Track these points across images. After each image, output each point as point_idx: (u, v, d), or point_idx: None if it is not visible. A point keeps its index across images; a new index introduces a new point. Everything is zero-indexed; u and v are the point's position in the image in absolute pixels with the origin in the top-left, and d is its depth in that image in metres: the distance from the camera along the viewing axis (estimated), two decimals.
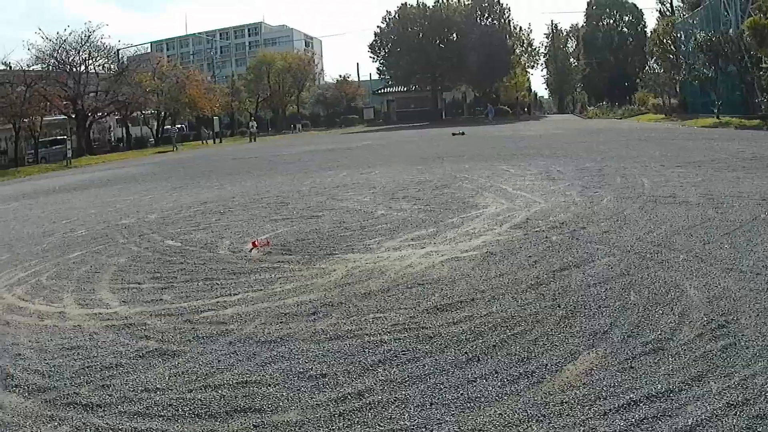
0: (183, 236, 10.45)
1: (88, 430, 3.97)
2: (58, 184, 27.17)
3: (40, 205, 18.57)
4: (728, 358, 4.17)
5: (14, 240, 11.97)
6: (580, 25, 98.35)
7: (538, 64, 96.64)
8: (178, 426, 3.92)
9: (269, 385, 4.36)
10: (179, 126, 71.73)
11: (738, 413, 3.49)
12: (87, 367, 4.97)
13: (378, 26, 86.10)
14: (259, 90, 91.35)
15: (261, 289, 6.73)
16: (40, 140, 55.22)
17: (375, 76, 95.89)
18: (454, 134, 38.46)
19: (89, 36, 59.23)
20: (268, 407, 4.06)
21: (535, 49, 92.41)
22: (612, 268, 6.38)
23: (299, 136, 68.92)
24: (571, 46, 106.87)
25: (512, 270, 6.56)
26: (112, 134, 72.29)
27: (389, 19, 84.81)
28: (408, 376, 4.28)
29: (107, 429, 3.95)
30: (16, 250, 10.84)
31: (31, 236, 12.25)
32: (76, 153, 53.00)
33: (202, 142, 63.68)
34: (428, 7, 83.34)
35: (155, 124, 72.69)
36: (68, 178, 31.26)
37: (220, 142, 68.80)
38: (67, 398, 4.44)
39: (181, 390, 4.40)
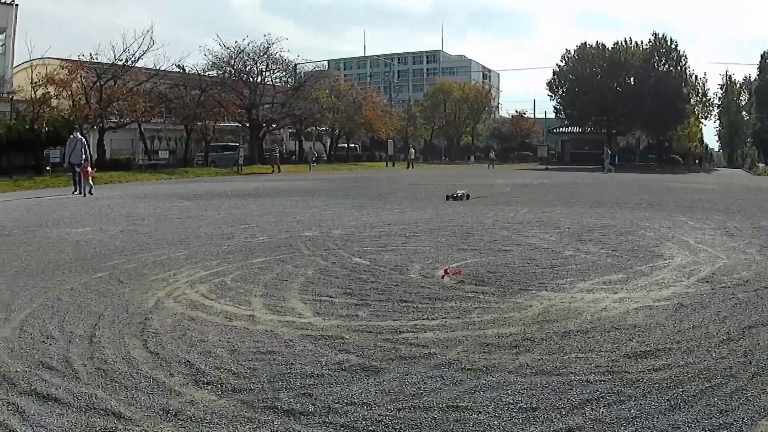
0: (371, 255, 10.75)
1: None
2: (230, 189, 28.43)
3: (213, 207, 19.67)
4: None
5: (191, 238, 12.76)
6: (753, 78, 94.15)
7: (711, 115, 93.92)
8: None
9: (480, 413, 4.40)
10: (355, 145, 73.26)
11: None
12: (286, 374, 5.15)
13: (557, 64, 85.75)
14: (435, 118, 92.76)
15: (459, 317, 6.83)
16: (211, 144, 57.79)
17: (550, 114, 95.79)
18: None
19: (268, 48, 61.90)
20: None
21: (709, 99, 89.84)
22: None
23: (472, 168, 69.04)
24: (744, 99, 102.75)
25: (704, 323, 6.69)
26: (284, 146, 74.74)
27: (568, 58, 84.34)
28: (616, 418, 4.33)
29: None
30: (194, 248, 11.54)
31: (208, 236, 13.00)
32: (248, 161, 55.16)
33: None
34: (607, 48, 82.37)
35: (329, 140, 74.70)
36: (240, 184, 32.77)
37: (393, 165, 69.99)
38: (266, 402, 4.60)
39: (390, 408, 4.48)
